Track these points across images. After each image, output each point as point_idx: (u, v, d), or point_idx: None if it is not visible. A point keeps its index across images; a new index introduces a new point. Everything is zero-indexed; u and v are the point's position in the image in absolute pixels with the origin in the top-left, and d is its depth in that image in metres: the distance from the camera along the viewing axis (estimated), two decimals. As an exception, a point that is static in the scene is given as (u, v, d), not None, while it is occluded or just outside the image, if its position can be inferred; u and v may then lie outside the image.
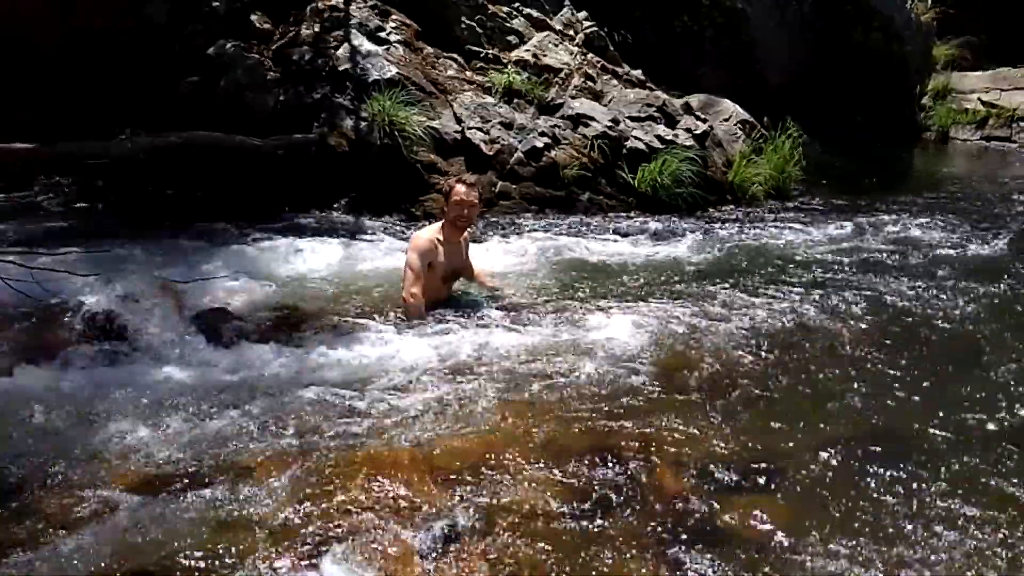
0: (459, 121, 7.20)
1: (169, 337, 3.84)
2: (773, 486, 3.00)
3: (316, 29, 7.26)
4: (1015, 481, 3.01)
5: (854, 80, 10.81)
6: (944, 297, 4.97)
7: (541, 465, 3.06)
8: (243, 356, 3.76)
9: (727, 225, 6.77)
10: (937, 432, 3.37)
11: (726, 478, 3.03)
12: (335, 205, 6.36)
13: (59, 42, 7.00)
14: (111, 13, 7.08)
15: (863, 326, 4.48)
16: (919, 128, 12.21)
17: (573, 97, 7.76)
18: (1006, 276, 5.46)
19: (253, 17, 7.30)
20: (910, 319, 4.61)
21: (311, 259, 5.19)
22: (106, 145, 6.21)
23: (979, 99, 12.73)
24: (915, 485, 2.99)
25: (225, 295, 4.40)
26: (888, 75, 11.32)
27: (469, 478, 2.96)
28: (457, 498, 2.84)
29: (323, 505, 2.73)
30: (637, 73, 8.44)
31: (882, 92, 11.21)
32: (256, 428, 3.21)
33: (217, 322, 3.95)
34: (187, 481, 2.87)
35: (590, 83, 7.98)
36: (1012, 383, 3.84)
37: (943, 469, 3.09)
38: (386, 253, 5.51)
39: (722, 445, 3.25)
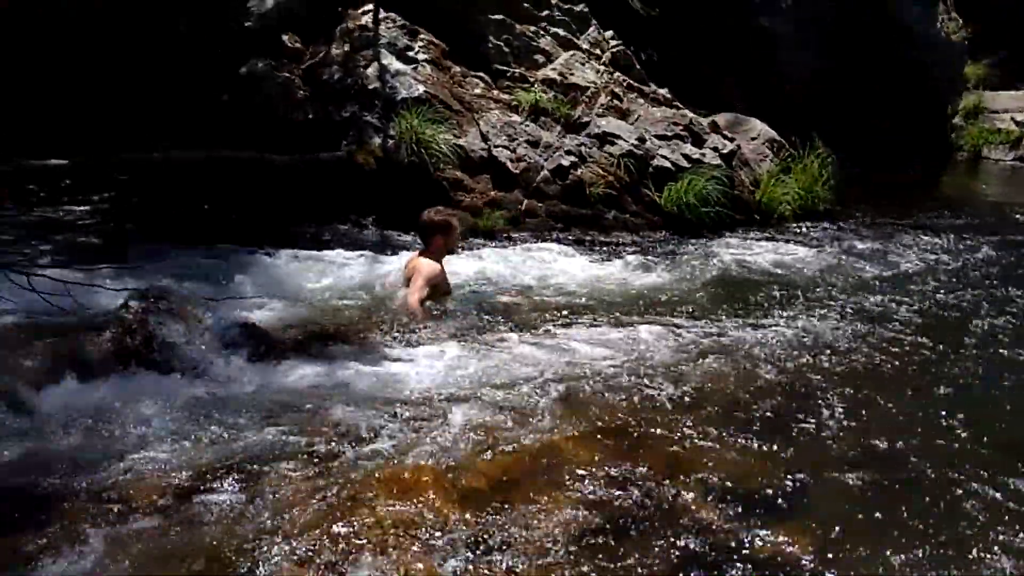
0: (485, 139, 7.24)
1: (198, 352, 3.86)
2: (802, 509, 2.96)
3: (346, 48, 7.35)
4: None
5: (883, 98, 10.72)
6: (975, 320, 4.89)
7: (566, 487, 3.04)
8: (270, 372, 3.79)
9: (753, 244, 6.71)
10: (970, 455, 3.32)
11: (754, 501, 2.99)
12: (363, 222, 6.42)
13: (96, 56, 7.17)
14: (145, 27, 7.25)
15: (893, 347, 4.42)
16: (951, 147, 12.05)
17: (599, 116, 7.76)
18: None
19: (284, 37, 7.41)
20: (940, 341, 4.53)
21: (338, 275, 5.23)
22: (139, 160, 6.33)
23: (1012, 119, 12.54)
24: (947, 508, 2.93)
25: (253, 311, 4.44)
26: (918, 93, 11.20)
27: (493, 499, 2.95)
28: (481, 519, 2.82)
29: (347, 524, 2.73)
30: (664, 92, 8.43)
31: (912, 110, 11.10)
32: (281, 444, 3.23)
33: (245, 338, 3.98)
34: (212, 496, 2.88)
35: (616, 102, 7.98)
36: None
37: (977, 492, 3.03)
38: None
39: (749, 467, 3.21)
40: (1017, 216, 8.18)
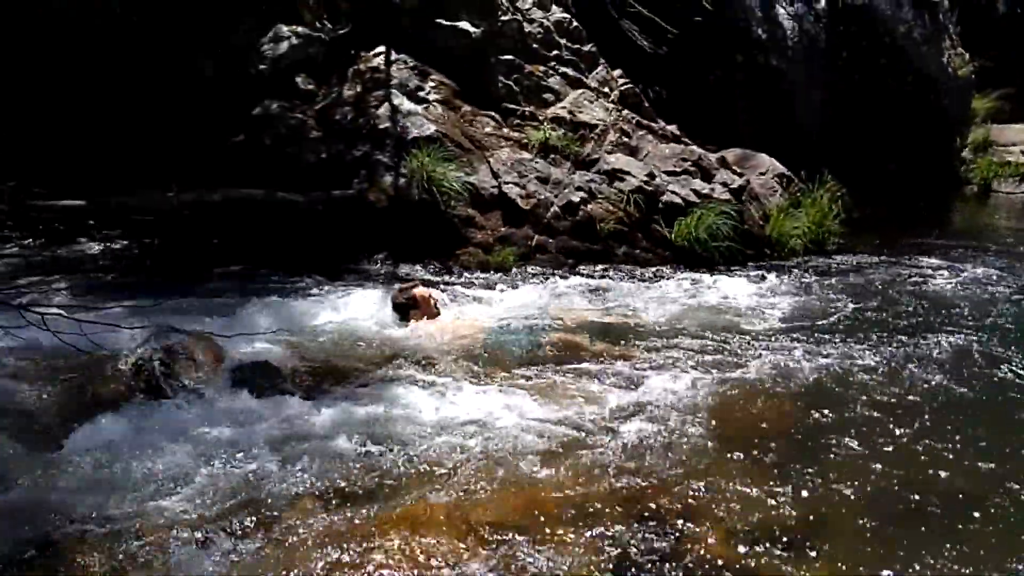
0: (496, 176, 7.30)
1: (211, 390, 3.88)
2: (822, 551, 2.91)
3: (358, 89, 7.47)
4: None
5: (892, 133, 10.76)
6: (990, 355, 4.82)
7: (581, 525, 3.00)
8: (282, 409, 3.78)
9: (764, 279, 6.69)
10: (990, 492, 3.26)
11: (772, 539, 2.95)
12: (374, 259, 6.45)
13: (113, 98, 7.32)
14: (165, 67, 7.41)
15: (909, 383, 4.36)
16: (960, 181, 12.05)
17: (609, 152, 7.82)
18: None
19: (297, 79, 7.54)
20: (956, 376, 4.47)
21: (349, 313, 5.24)
22: (153, 200, 6.41)
23: (1021, 152, 12.54)
24: (969, 548, 2.87)
25: (266, 348, 4.45)
26: (927, 127, 11.24)
27: (507, 537, 2.92)
28: (495, 557, 2.80)
29: (360, 561, 2.71)
30: (672, 128, 8.50)
31: (921, 144, 11.12)
32: (294, 481, 3.22)
33: (258, 375, 3.99)
34: (224, 532, 2.88)
35: (625, 138, 8.05)
36: None
37: (999, 531, 2.98)
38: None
39: (767, 505, 3.17)
40: (1000, 257, 8.16)
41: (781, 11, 10.48)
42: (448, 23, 8.03)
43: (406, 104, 7.38)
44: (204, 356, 3.99)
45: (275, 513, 2.99)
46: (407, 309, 5.18)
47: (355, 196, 6.71)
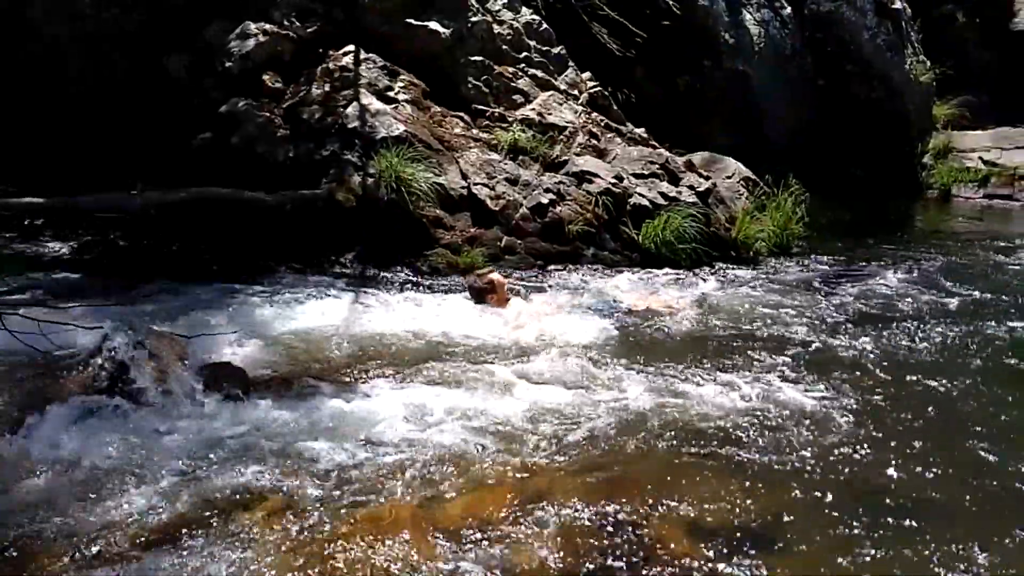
0: (465, 177, 7.30)
1: (172, 391, 3.84)
2: (782, 548, 2.96)
3: (326, 88, 7.43)
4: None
5: (856, 138, 10.96)
6: (945, 357, 4.94)
7: (546, 525, 3.02)
8: (245, 411, 3.76)
9: (729, 282, 6.79)
10: (947, 491, 3.34)
11: (734, 537, 3.00)
12: (341, 260, 6.41)
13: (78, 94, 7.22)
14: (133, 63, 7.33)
15: (866, 385, 4.45)
16: (921, 186, 12.30)
17: (577, 154, 7.87)
18: (1011, 336, 5.47)
19: (265, 77, 7.48)
20: (911, 379, 4.57)
21: (315, 313, 5.21)
22: (117, 199, 6.32)
23: (980, 158, 12.84)
24: (924, 548, 2.94)
25: (230, 349, 4.42)
26: (889, 133, 11.47)
27: (471, 537, 2.93)
28: (458, 558, 2.80)
29: (323, 565, 2.70)
30: (640, 131, 8.58)
31: (884, 150, 11.35)
32: (256, 484, 3.20)
33: (220, 376, 3.95)
34: (185, 537, 2.85)
35: (594, 141, 8.11)
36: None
37: (952, 531, 3.04)
38: (390, 307, 5.54)
39: (731, 503, 3.22)
40: (986, 252, 8.37)
41: (748, 16, 10.63)
42: (418, 23, 8.03)
43: (375, 104, 7.35)
44: (166, 356, 3.94)
45: (235, 516, 2.96)
46: (483, 293, 5.61)
47: (323, 196, 6.67)
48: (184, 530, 2.89)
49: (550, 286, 6.47)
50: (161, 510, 3.01)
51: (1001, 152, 12.92)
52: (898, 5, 12.04)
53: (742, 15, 10.62)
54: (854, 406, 4.16)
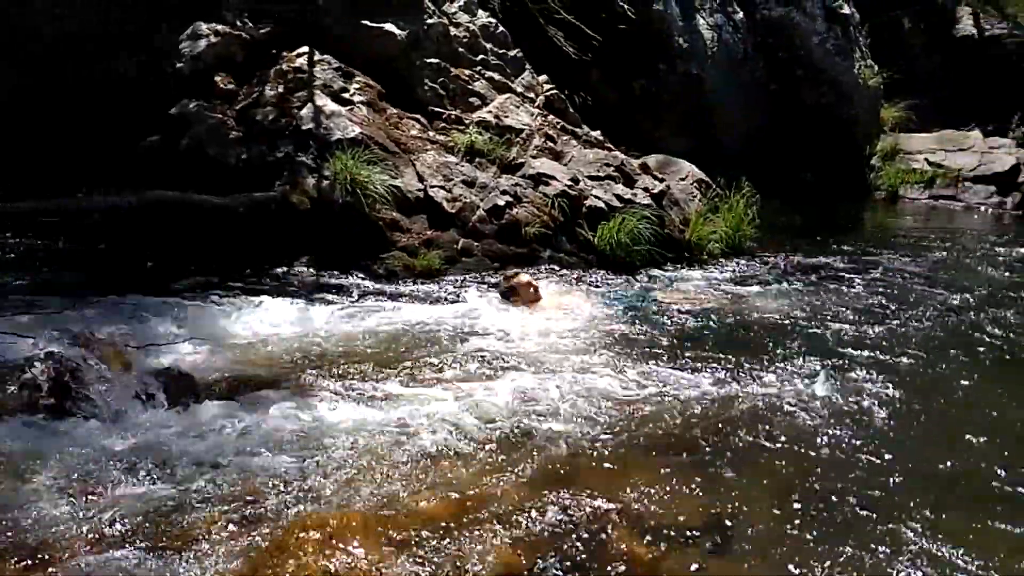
0: (421, 179, 7.29)
1: (119, 401, 3.76)
2: (734, 546, 3.03)
3: (280, 90, 7.35)
4: (958, 536, 3.07)
5: (806, 141, 11.21)
6: (891, 353, 5.09)
7: (499, 527, 3.04)
8: (195, 420, 3.70)
9: (683, 282, 6.91)
10: (899, 489, 3.42)
11: (686, 537, 3.05)
12: (296, 263, 6.34)
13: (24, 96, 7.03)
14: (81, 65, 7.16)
15: (813, 382, 4.54)
16: (869, 187, 12.64)
17: (534, 157, 7.91)
18: (955, 329, 5.70)
19: (217, 78, 7.37)
20: (859, 374, 4.70)
21: (268, 319, 5.14)
22: (63, 204, 6.16)
23: (926, 160, 13.24)
24: (876, 546, 3.01)
25: (179, 357, 4.34)
26: (839, 137, 11.76)
27: (423, 542, 2.93)
28: (410, 564, 2.80)
29: (273, 573, 2.68)
30: (596, 134, 8.65)
31: (834, 153, 11.63)
32: (205, 494, 3.15)
33: (169, 385, 3.89)
34: (132, 550, 2.80)
35: (550, 143, 8.15)
36: (971, 438, 3.92)
37: (910, 529, 3.12)
38: (345, 311, 5.50)
39: (683, 504, 3.27)
40: (932, 250, 8.67)
41: (701, 21, 10.80)
42: (373, 25, 7.98)
43: (330, 105, 7.30)
44: (112, 365, 3.86)
45: (183, 526, 2.92)
46: (511, 294, 5.91)
47: (277, 198, 6.59)
48: (132, 542, 2.84)
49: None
50: (108, 522, 2.95)
51: (946, 154, 13.34)
52: (847, 10, 12.34)
53: (695, 20, 10.78)
54: (816, 403, 4.25)
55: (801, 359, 4.93)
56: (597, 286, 6.73)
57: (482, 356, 4.80)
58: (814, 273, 7.28)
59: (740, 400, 4.31)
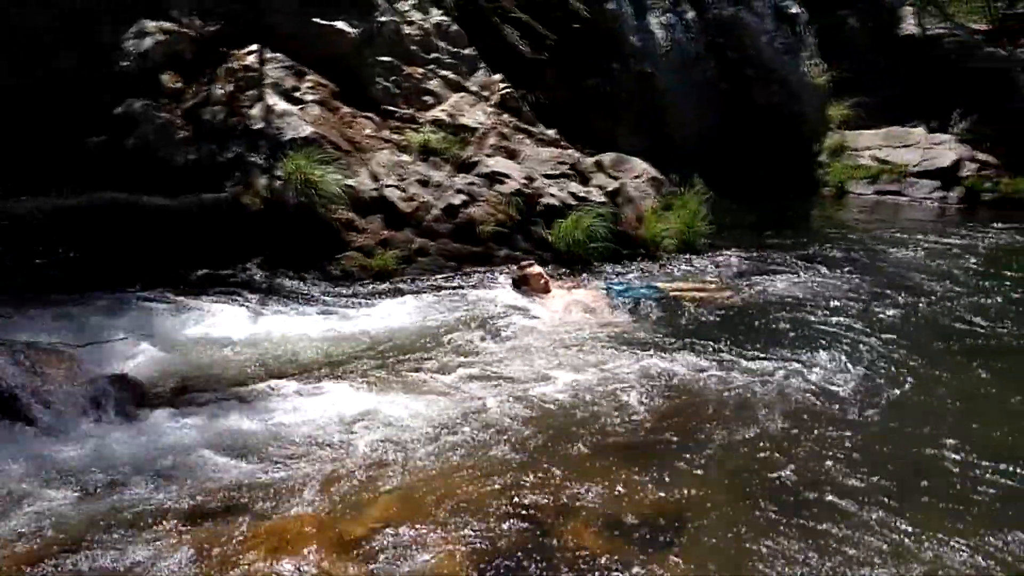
0: (376, 179, 7.24)
1: (64, 408, 3.67)
2: (686, 540, 3.07)
3: (230, 88, 7.23)
4: (913, 528, 3.16)
5: (757, 138, 11.38)
6: (850, 345, 5.21)
7: (454, 527, 3.05)
8: (142, 425, 3.64)
9: (641, 279, 7.00)
10: (838, 485, 3.48)
11: (638, 530, 3.09)
12: (248, 265, 6.24)
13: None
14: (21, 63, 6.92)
15: (768, 377, 4.64)
16: (818, 183, 12.90)
17: (489, 155, 7.91)
18: (912, 317, 5.91)
19: (164, 76, 7.21)
20: (808, 368, 4.80)
21: (219, 322, 5.07)
22: (5, 206, 5.97)
23: (872, 156, 13.56)
24: (821, 537, 3.09)
25: (126, 361, 4.26)
26: (788, 134, 11.96)
27: (378, 544, 2.93)
28: (366, 567, 2.79)
29: (222, 581, 2.65)
30: (551, 132, 8.68)
31: (783, 149, 11.82)
32: (153, 501, 3.11)
33: (116, 389, 3.81)
34: (78, 559, 2.74)
35: (505, 142, 8.16)
36: (936, 430, 4.01)
37: (845, 520, 3.21)
38: (299, 313, 5.45)
39: (636, 498, 3.31)
40: (877, 242, 8.94)
41: (654, 21, 10.90)
42: (324, 22, 7.90)
43: (281, 104, 7.20)
44: (54, 372, 3.76)
45: (132, 535, 2.87)
46: (522, 283, 6.25)
47: (228, 199, 6.49)
48: (76, 553, 2.78)
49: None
50: (51, 534, 2.88)
51: (891, 150, 13.69)
52: (795, 10, 12.57)
53: (648, 19, 10.88)
54: (775, 397, 4.34)
55: (771, 351, 5.06)
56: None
57: (434, 352, 4.79)
58: (766, 268, 7.42)
59: (713, 392, 4.39)
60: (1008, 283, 7.06)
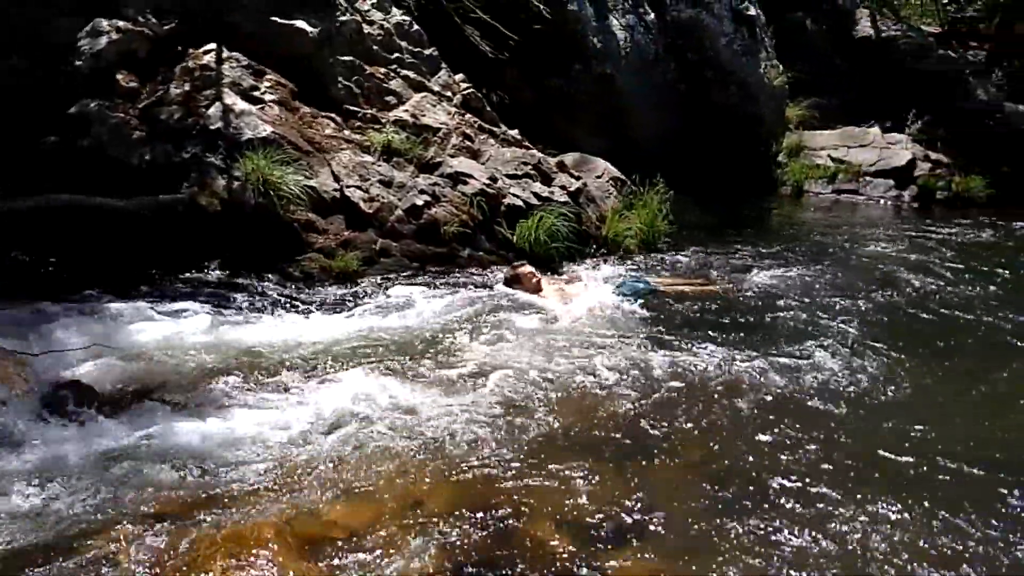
0: (337, 179, 7.18)
1: (16, 416, 3.59)
2: (648, 537, 3.10)
3: (186, 88, 7.11)
4: (865, 524, 3.23)
5: (716, 139, 11.55)
6: (796, 340, 5.31)
7: (416, 529, 3.05)
8: (97, 432, 3.57)
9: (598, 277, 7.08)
10: (804, 482, 3.52)
11: (603, 528, 3.12)
12: (206, 267, 6.15)
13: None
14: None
15: (727, 373, 4.71)
16: (776, 182, 13.14)
17: (452, 156, 7.91)
18: (873, 311, 6.10)
19: (119, 76, 7.07)
20: (769, 362, 4.88)
21: (176, 326, 4.98)
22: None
23: (829, 156, 13.85)
24: (779, 532, 3.14)
25: (80, 367, 4.17)
26: (746, 135, 12.16)
27: (341, 549, 2.92)
28: (325, 572, 2.78)
29: (178, 589, 2.61)
30: (514, 133, 8.70)
31: (742, 150, 12.02)
32: (109, 509, 3.06)
33: (70, 396, 3.73)
34: (33, 569, 2.68)
35: (468, 142, 8.16)
36: (901, 424, 4.11)
37: (811, 517, 3.25)
38: (257, 316, 5.38)
39: (601, 496, 3.34)
40: (834, 239, 9.16)
41: (615, 22, 10.99)
42: (284, 21, 7.81)
43: (239, 104, 7.11)
44: (9, 378, 3.67)
45: (83, 543, 2.82)
46: (514, 282, 6.47)
47: (184, 200, 6.39)
48: (27, 560, 2.72)
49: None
50: (3, 544, 2.82)
51: (848, 150, 13.99)
52: (753, 12, 12.76)
53: (609, 20, 10.96)
54: (720, 396, 4.39)
55: (747, 343, 5.18)
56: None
57: (394, 352, 4.78)
58: (735, 265, 7.56)
59: (693, 385, 4.49)
60: (964, 277, 7.35)
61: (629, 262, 7.68)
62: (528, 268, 6.62)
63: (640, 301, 6.20)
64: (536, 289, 6.42)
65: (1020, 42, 15.80)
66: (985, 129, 14.30)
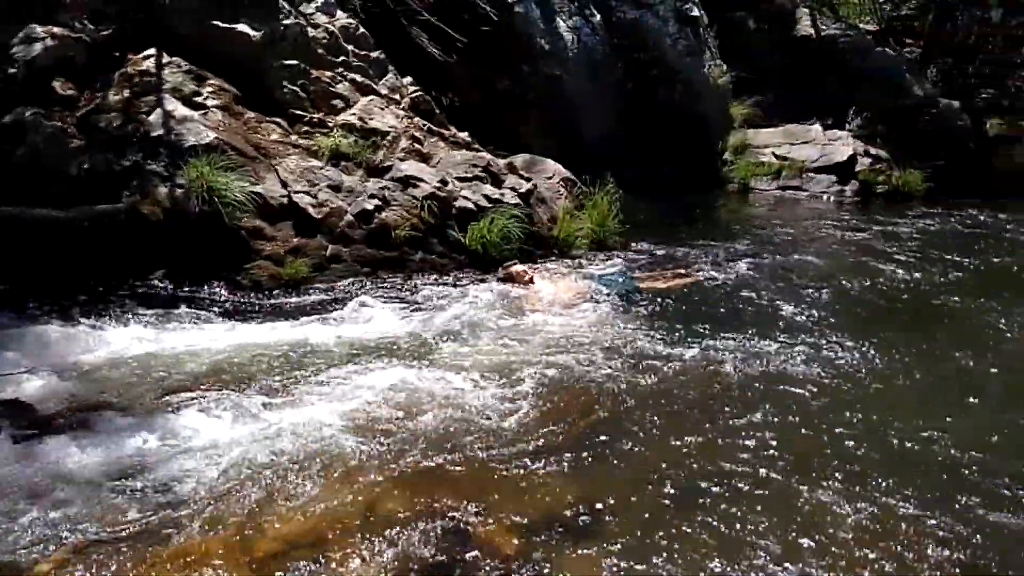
0: (285, 185, 7.08)
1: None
2: (604, 536, 3.13)
3: (126, 94, 6.94)
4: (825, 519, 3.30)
5: (664, 138, 11.71)
6: (748, 335, 5.42)
7: (369, 538, 3.04)
8: (37, 451, 3.47)
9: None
10: (756, 478, 3.59)
11: (555, 527, 3.15)
12: (150, 278, 6.00)
13: None
14: None
15: (685, 368, 4.78)
16: (723, 180, 13.35)
17: (401, 159, 7.86)
18: (826, 301, 6.32)
19: (55, 83, 6.87)
20: (719, 357, 4.98)
21: (117, 339, 4.85)
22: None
23: (773, 153, 14.13)
24: (737, 526, 3.20)
25: (17, 386, 4.04)
26: (692, 133, 12.35)
27: (293, 562, 2.89)
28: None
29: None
30: (464, 135, 8.68)
31: (688, 148, 12.21)
32: (52, 530, 2.98)
33: (6, 416, 3.61)
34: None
35: (417, 145, 8.12)
36: (864, 416, 4.22)
37: (776, 512, 3.32)
38: (203, 327, 5.27)
39: (554, 495, 3.37)
40: (780, 233, 9.42)
41: (561, 24, 11.06)
42: (225, 25, 7.67)
43: (181, 110, 6.96)
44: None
45: (26, 564, 2.74)
46: (508, 280, 6.82)
47: (125, 210, 6.23)
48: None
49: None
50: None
51: (791, 147, 14.29)
52: (696, 12, 12.97)
53: (556, 22, 11.03)
54: (676, 390, 4.46)
55: (714, 335, 5.30)
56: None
57: (342, 359, 4.74)
58: (680, 260, 7.70)
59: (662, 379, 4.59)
60: (908, 265, 7.70)
61: (582, 261, 7.74)
62: (519, 267, 6.99)
63: (619, 294, 6.47)
64: (529, 283, 6.80)
65: (950, 40, 16.37)
66: (921, 124, 14.75)
